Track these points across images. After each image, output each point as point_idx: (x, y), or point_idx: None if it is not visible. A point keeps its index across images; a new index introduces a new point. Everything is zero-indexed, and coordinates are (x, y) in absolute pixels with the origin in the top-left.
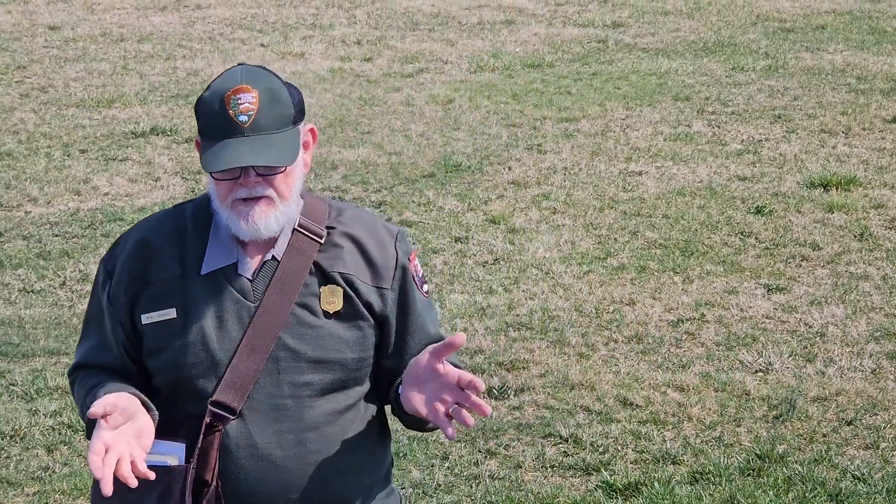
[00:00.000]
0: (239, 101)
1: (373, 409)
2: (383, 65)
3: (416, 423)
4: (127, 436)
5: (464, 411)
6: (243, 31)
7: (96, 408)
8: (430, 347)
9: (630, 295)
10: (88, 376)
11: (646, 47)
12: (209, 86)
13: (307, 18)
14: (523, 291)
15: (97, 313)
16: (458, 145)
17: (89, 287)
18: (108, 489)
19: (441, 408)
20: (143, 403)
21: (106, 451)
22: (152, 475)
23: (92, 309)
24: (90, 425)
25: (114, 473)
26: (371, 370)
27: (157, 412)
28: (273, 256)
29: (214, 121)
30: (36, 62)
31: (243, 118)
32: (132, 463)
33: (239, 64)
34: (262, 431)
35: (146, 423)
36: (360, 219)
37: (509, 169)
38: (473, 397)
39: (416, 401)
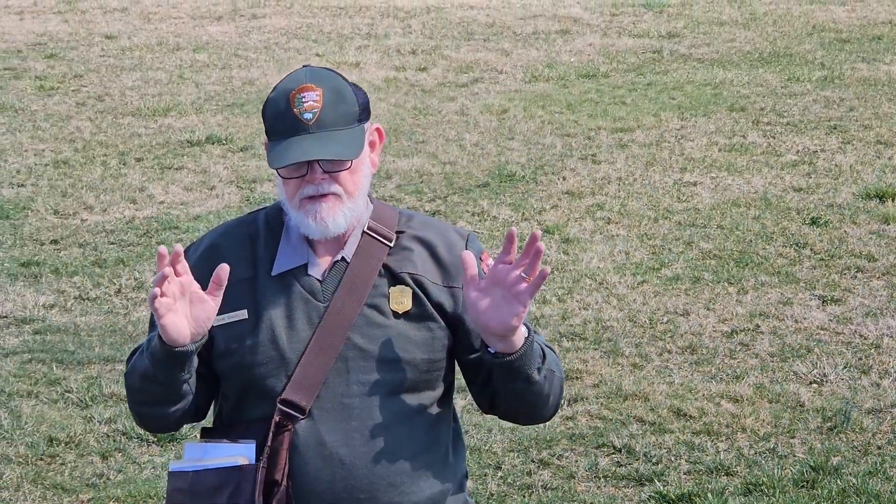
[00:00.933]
0: (303, 100)
1: (446, 416)
2: (438, 74)
3: (517, 406)
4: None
5: (532, 271)
6: (298, 41)
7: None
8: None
9: (684, 305)
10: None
11: (701, 58)
12: (275, 87)
13: (362, 28)
14: (577, 301)
15: None
16: (513, 155)
17: (144, 295)
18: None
19: (520, 287)
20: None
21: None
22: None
23: None
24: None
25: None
26: (444, 374)
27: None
28: (343, 258)
29: (280, 120)
30: (92, 71)
31: (308, 116)
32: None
33: (304, 65)
34: (331, 430)
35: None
36: (429, 224)
37: (563, 179)
38: (526, 260)
39: (496, 313)
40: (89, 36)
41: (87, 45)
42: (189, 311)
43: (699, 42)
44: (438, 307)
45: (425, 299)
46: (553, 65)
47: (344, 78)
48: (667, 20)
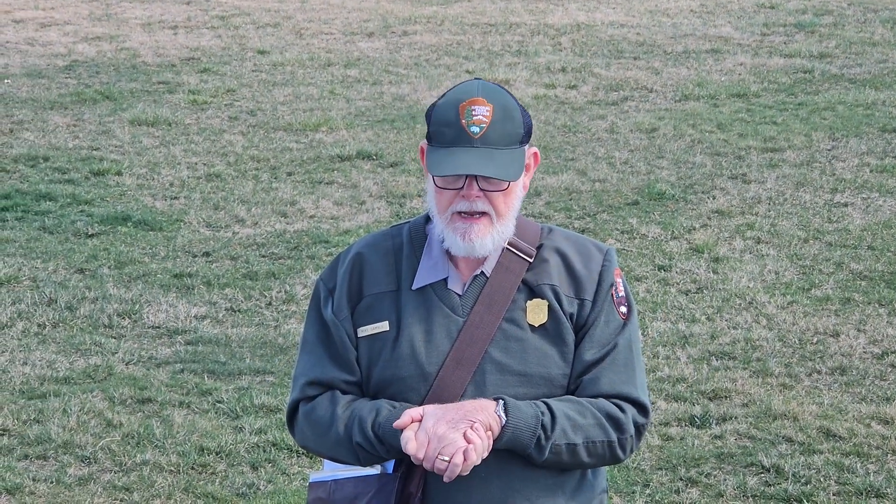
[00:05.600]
0: (473, 113)
1: None
2: (587, 92)
3: None
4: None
5: None
6: (449, 58)
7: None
8: None
9: (834, 326)
10: (334, 396)
11: (853, 78)
12: (444, 94)
13: (512, 45)
14: (726, 321)
15: (321, 331)
16: (662, 173)
17: (294, 308)
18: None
19: None
20: None
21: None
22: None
23: (313, 329)
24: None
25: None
26: None
27: None
28: (482, 272)
29: (447, 128)
30: (245, 86)
31: (475, 129)
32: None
33: (475, 78)
34: None
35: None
36: (569, 236)
37: (713, 198)
38: None
39: None
40: (242, 51)
41: (239, 59)
42: None
43: (851, 62)
44: (570, 317)
45: (560, 311)
46: (703, 84)
47: (514, 97)
48: (818, 40)
